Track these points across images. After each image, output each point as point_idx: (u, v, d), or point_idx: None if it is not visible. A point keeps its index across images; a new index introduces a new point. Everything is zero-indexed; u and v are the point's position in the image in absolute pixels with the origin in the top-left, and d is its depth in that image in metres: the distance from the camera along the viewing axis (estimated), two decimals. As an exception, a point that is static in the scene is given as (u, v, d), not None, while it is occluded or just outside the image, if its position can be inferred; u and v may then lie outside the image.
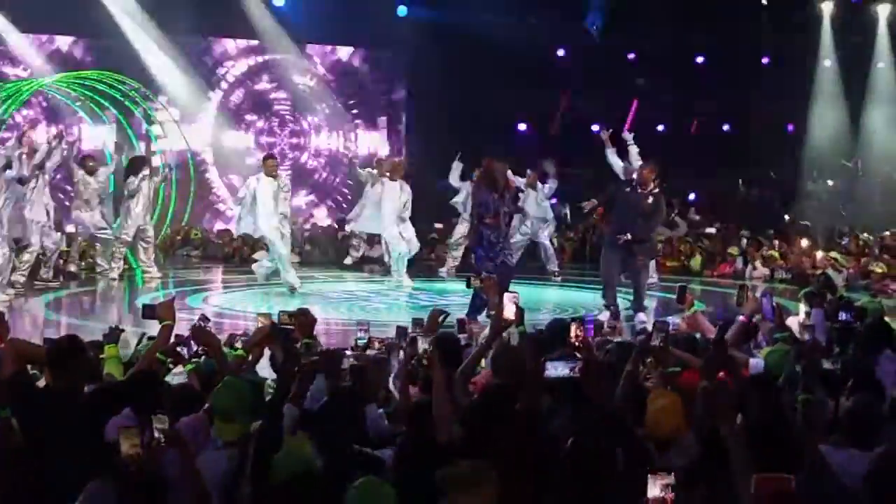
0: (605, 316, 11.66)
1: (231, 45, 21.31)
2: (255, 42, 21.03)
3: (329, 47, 21.95)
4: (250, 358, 6.17)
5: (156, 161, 17.45)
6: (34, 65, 19.12)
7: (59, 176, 16.27)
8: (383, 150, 21.85)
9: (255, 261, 17.47)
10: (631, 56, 22.30)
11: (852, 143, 22.14)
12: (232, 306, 13.46)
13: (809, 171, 22.61)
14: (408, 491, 4.10)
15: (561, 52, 22.12)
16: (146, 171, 15.50)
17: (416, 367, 6.33)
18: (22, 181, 13.37)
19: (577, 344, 5.94)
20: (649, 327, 9.09)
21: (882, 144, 21.92)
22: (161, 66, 19.35)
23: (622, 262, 12.10)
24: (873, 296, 13.06)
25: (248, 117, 21.51)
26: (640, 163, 12.41)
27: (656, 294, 14.18)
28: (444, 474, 3.88)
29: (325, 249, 18.79)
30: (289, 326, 6.01)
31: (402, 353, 6.60)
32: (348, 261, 17.37)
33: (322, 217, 21.60)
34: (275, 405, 4.88)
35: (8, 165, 13.15)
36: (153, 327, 6.44)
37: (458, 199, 16.36)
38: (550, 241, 16.75)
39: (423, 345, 6.47)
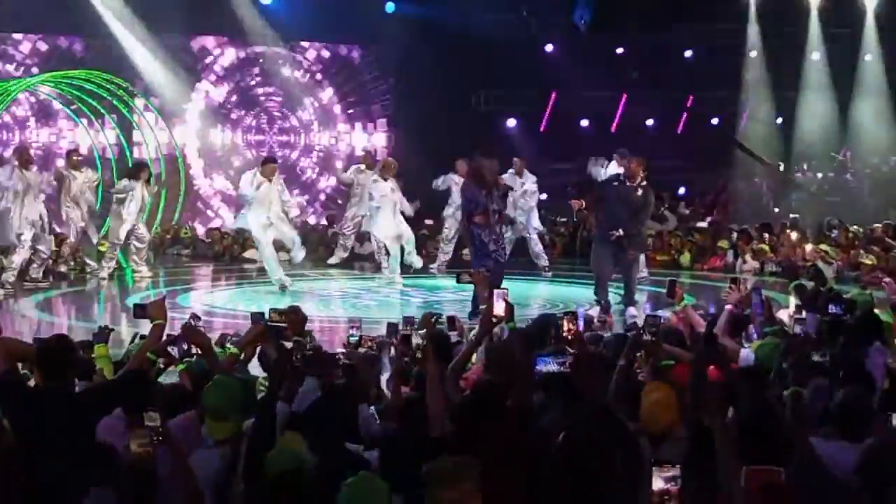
0: (595, 310, 11.68)
1: (217, 42, 21.24)
2: (241, 39, 20.98)
3: (317, 44, 21.91)
4: (242, 356, 6.17)
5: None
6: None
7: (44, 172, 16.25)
8: (369, 146, 21.84)
9: (246, 259, 17.49)
10: (620, 51, 22.30)
11: (840, 136, 22.20)
12: (222, 305, 13.45)
13: (798, 163, 22.67)
14: (395, 486, 4.09)
15: (549, 48, 22.11)
16: (144, 177, 15.45)
17: (409, 364, 6.34)
18: None
19: (569, 338, 5.96)
20: (640, 321, 9.13)
21: (870, 136, 21.98)
22: (147, 64, 19.31)
23: (613, 257, 12.12)
24: (863, 288, 13.10)
25: (235, 116, 21.46)
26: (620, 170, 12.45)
27: (646, 288, 14.21)
28: (425, 469, 3.89)
29: (314, 247, 18.77)
30: (281, 324, 6.01)
31: (392, 350, 6.61)
32: (334, 260, 17.12)
33: (311, 215, 21.58)
34: (267, 403, 4.88)
35: None
36: (144, 326, 6.44)
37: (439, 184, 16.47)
38: (540, 235, 16.75)
39: (416, 339, 6.48)
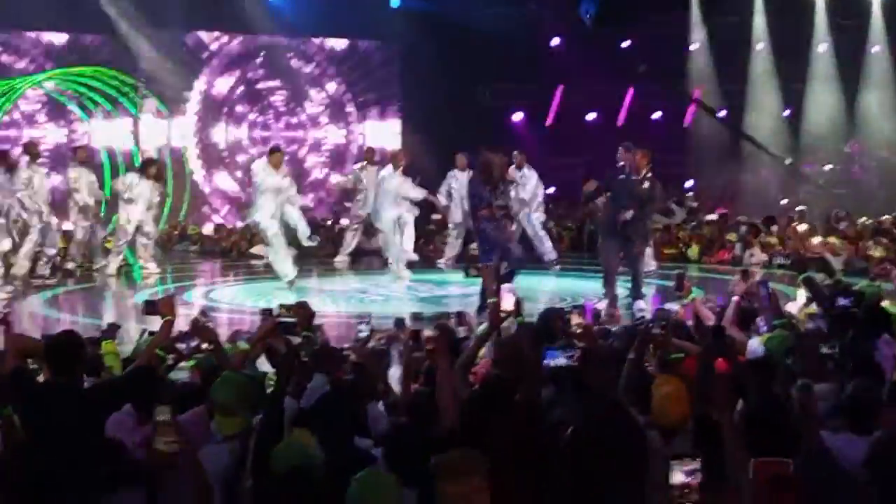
0: (603, 304, 11.67)
1: (221, 36, 21.25)
2: (247, 34, 21.00)
3: (322, 39, 21.92)
4: (252, 352, 6.19)
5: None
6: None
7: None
8: (375, 142, 21.84)
9: (253, 255, 17.49)
10: (625, 44, 22.28)
11: (848, 128, 22.15)
12: (230, 301, 13.46)
13: (806, 155, 22.61)
14: (402, 480, 4.09)
15: (556, 42, 22.09)
16: (151, 172, 15.45)
17: (419, 360, 6.34)
18: None
19: (578, 332, 5.96)
20: (647, 315, 9.12)
21: (877, 128, 21.93)
22: (151, 60, 19.35)
23: (620, 251, 12.10)
24: (872, 280, 13.07)
25: (240, 111, 21.48)
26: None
27: (655, 281, 14.19)
28: (433, 463, 3.89)
29: (322, 244, 18.77)
30: (289, 320, 6.01)
31: (401, 345, 6.61)
32: (340, 261, 16.85)
33: (319, 210, 21.61)
34: (276, 398, 4.89)
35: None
36: (153, 323, 6.45)
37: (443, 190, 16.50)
38: (547, 229, 16.73)
39: (427, 332, 6.48)
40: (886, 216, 18.35)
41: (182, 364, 6.30)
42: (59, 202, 16.06)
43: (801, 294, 9.68)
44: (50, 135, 19.77)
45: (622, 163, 12.09)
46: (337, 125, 22.20)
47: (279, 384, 5.02)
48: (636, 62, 21.99)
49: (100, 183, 15.70)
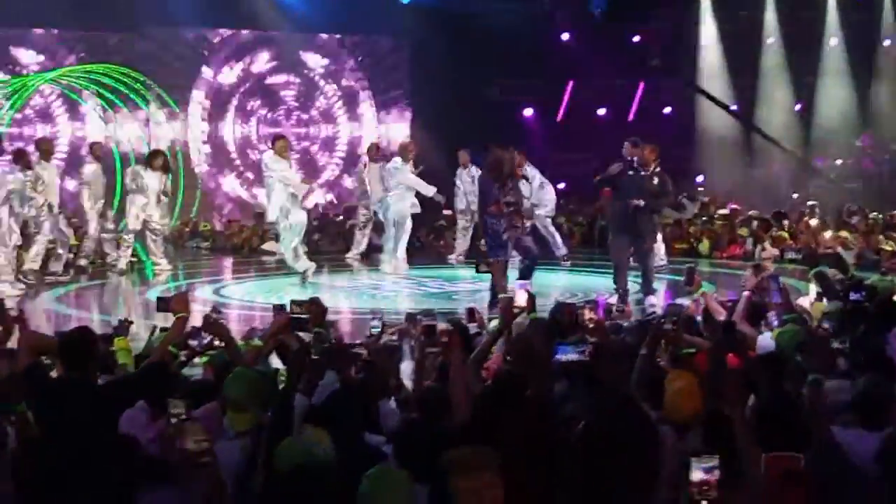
0: (614, 299, 11.67)
1: (232, 33, 21.30)
2: (257, 31, 21.05)
3: (332, 35, 21.95)
4: (265, 349, 6.20)
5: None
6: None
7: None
8: (385, 138, 21.87)
9: (265, 251, 17.53)
10: (636, 39, 22.25)
11: (860, 121, 22.08)
12: (242, 297, 13.50)
13: (817, 149, 22.56)
14: (413, 475, 4.10)
15: (565, 37, 22.07)
16: (157, 164, 15.47)
17: (432, 356, 6.34)
18: None
19: (591, 327, 5.96)
20: (658, 310, 9.11)
21: (889, 122, 21.85)
22: (160, 57, 19.43)
23: (629, 246, 12.10)
24: (884, 274, 13.04)
25: (251, 108, 21.52)
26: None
27: (666, 276, 14.18)
28: (445, 458, 3.89)
29: (333, 239, 18.81)
30: (302, 316, 6.04)
31: (412, 340, 6.61)
32: (353, 256, 16.76)
33: (331, 205, 21.65)
34: (284, 396, 4.90)
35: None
36: (165, 319, 6.47)
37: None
38: (557, 225, 16.72)
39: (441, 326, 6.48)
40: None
41: (195, 360, 6.33)
42: (72, 198, 16.12)
43: (813, 289, 9.67)
44: (63, 131, 19.86)
45: (631, 157, 12.07)
46: (348, 122, 22.22)
47: (289, 381, 5.04)
48: (647, 57, 21.96)
49: (113, 179, 15.74)
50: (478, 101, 20.85)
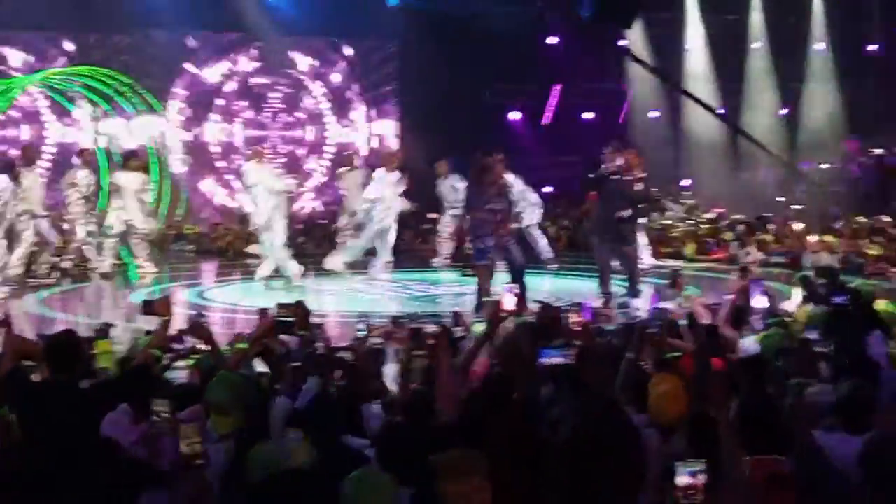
0: (599, 303, 11.69)
1: (218, 38, 21.27)
2: (243, 34, 21.02)
3: (319, 38, 21.93)
4: (250, 352, 6.19)
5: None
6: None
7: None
8: (373, 141, 21.87)
9: (249, 255, 17.48)
10: (623, 42, 22.28)
11: (846, 126, 22.15)
12: (226, 300, 13.46)
13: (803, 153, 22.63)
14: (396, 477, 4.08)
15: (553, 40, 22.09)
16: (134, 166, 15.42)
17: (418, 359, 6.33)
18: None
19: (577, 330, 5.97)
20: (643, 314, 9.14)
21: (874, 127, 21.92)
22: (148, 60, 19.41)
23: (611, 251, 12.16)
24: (868, 278, 13.10)
25: (236, 110, 21.49)
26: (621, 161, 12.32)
27: (651, 280, 14.20)
28: (433, 462, 3.88)
29: (319, 242, 18.79)
30: (287, 319, 6.03)
31: (396, 343, 6.61)
32: (337, 265, 16.08)
33: (316, 208, 21.62)
34: (262, 399, 4.88)
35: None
36: (148, 322, 6.45)
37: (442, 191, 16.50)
38: (543, 229, 16.73)
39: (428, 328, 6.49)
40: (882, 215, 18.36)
41: (180, 363, 6.31)
42: (57, 202, 16.08)
43: (798, 293, 9.71)
44: (52, 132, 19.81)
45: (620, 162, 12.10)
46: (336, 125, 22.20)
47: (267, 386, 5.02)
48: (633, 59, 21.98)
49: (98, 182, 15.70)
50: (465, 105, 20.85)
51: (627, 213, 11.79)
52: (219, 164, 21.34)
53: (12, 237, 14.08)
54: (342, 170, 17.23)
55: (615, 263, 12.35)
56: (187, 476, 3.96)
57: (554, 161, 20.83)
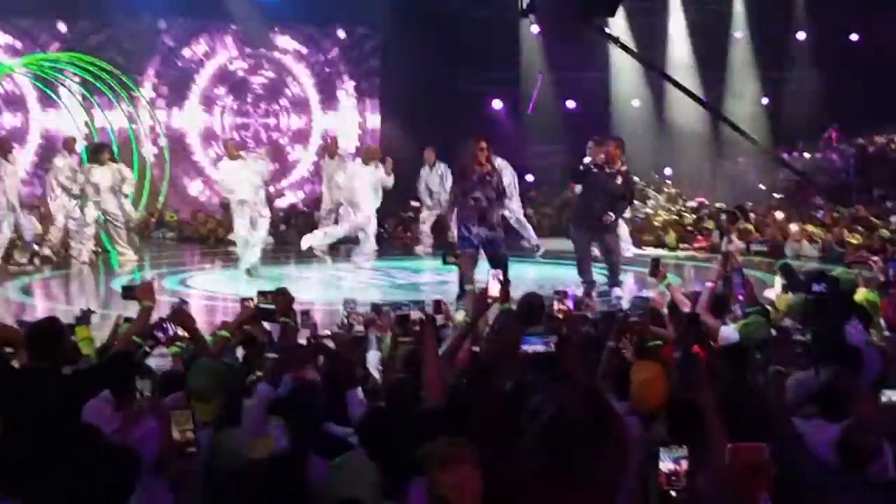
0: (580, 291, 11.71)
1: (197, 25, 21.15)
2: (225, 22, 20.92)
3: (301, 26, 21.84)
4: (232, 340, 6.18)
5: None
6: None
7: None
8: (354, 130, 21.83)
9: (231, 242, 17.43)
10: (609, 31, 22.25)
11: (827, 116, 22.20)
12: (208, 288, 13.44)
13: (784, 142, 22.68)
14: (380, 463, 4.09)
15: (535, 29, 22.06)
16: (104, 158, 15.37)
17: (404, 346, 6.32)
18: None
19: (560, 318, 5.97)
20: (624, 302, 9.16)
21: (856, 116, 21.99)
22: (132, 48, 19.31)
23: (591, 240, 12.20)
24: (848, 267, 13.16)
25: (218, 99, 21.39)
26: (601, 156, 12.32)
27: (632, 268, 14.24)
28: (423, 452, 3.89)
29: (301, 230, 18.73)
30: (269, 306, 6.01)
31: (378, 330, 6.60)
32: (311, 243, 16.08)
33: (297, 197, 21.58)
34: (236, 387, 4.87)
35: None
36: (130, 309, 6.42)
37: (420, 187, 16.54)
38: (527, 216, 16.74)
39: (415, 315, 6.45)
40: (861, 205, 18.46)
41: (162, 350, 6.28)
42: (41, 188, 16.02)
43: (779, 281, 9.76)
44: (34, 120, 19.71)
45: (601, 155, 12.12)
46: (317, 112, 22.14)
47: (242, 375, 5.01)
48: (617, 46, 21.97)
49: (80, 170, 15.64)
50: (448, 93, 20.82)
51: (610, 217, 11.86)
52: (198, 153, 21.22)
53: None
54: (325, 160, 17.21)
55: (595, 252, 12.38)
56: (180, 463, 3.95)
57: (535, 150, 20.83)
